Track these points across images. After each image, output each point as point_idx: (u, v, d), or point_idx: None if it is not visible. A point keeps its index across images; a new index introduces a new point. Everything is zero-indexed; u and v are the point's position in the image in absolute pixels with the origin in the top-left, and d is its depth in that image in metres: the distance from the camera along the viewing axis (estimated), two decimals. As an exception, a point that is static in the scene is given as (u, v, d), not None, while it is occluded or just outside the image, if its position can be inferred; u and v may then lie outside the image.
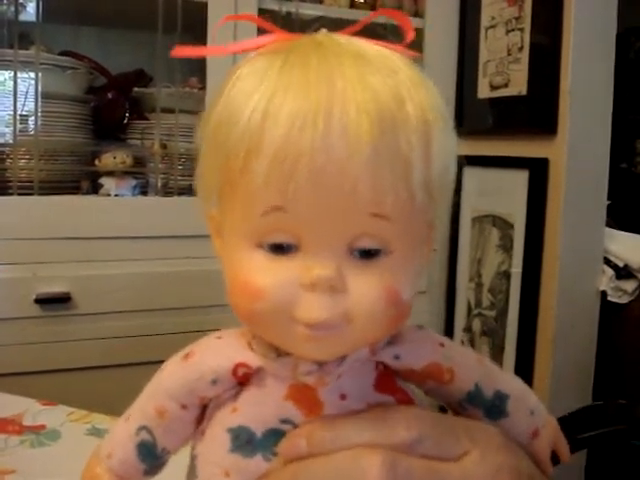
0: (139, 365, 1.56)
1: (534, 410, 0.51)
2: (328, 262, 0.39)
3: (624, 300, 1.80)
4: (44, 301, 1.63)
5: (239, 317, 0.42)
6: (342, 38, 0.43)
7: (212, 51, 0.49)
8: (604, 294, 1.79)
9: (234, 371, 0.45)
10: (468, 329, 2.03)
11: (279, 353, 0.44)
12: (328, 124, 0.37)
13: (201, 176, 0.44)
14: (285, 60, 0.40)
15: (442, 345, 0.48)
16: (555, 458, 0.52)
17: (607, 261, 1.83)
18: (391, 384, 0.46)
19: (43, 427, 0.95)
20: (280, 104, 0.38)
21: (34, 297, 1.62)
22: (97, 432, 0.93)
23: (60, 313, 1.65)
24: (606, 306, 1.80)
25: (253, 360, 0.45)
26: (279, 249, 0.40)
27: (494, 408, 0.49)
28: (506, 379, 0.51)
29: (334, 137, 0.37)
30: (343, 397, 0.44)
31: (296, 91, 0.38)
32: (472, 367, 0.49)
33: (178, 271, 1.76)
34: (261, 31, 0.46)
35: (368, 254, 0.40)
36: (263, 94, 0.39)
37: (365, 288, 0.40)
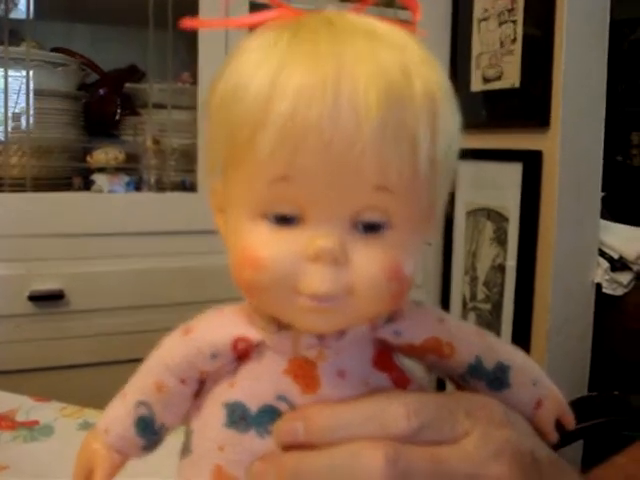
0: (133, 362, 1.54)
1: (536, 381, 0.51)
2: (332, 234, 0.39)
3: (619, 292, 1.81)
4: (37, 298, 1.62)
5: (241, 289, 0.42)
6: (351, 15, 0.43)
7: (220, 23, 0.49)
8: (599, 286, 1.79)
9: (234, 345, 0.45)
10: (463, 323, 2.02)
11: (280, 327, 0.44)
12: (336, 97, 0.37)
13: (206, 148, 0.44)
14: (294, 34, 0.40)
15: (441, 320, 0.48)
16: (560, 430, 0.52)
17: (602, 253, 1.83)
18: (388, 362, 0.47)
19: (36, 423, 0.94)
20: (288, 77, 0.38)
21: (27, 294, 1.61)
22: (89, 426, 0.92)
23: (54, 310, 1.64)
24: (601, 298, 1.80)
25: (253, 334, 0.45)
26: (283, 220, 0.40)
27: (496, 380, 0.49)
28: (507, 350, 0.51)
29: (342, 110, 0.37)
30: (341, 374, 0.44)
31: (304, 64, 0.38)
32: (472, 340, 0.49)
33: (172, 267, 1.76)
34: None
35: (371, 228, 0.40)
36: (270, 67, 0.39)
37: (368, 261, 0.40)
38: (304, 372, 0.44)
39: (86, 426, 0.93)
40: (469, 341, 0.49)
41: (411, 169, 0.39)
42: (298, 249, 0.39)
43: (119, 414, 0.50)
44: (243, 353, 0.45)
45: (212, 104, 0.42)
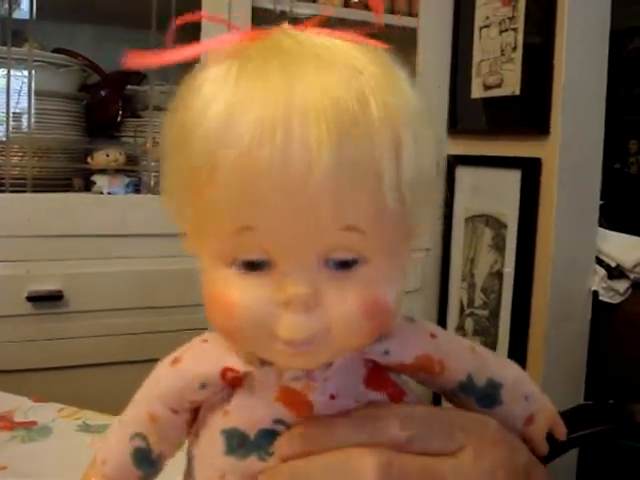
0: (131, 363, 1.56)
1: (529, 396, 0.51)
2: (302, 279, 0.38)
3: (616, 300, 1.81)
4: (36, 299, 1.62)
5: (218, 332, 0.42)
6: (305, 36, 0.40)
7: (171, 57, 0.43)
8: (596, 294, 1.80)
9: (222, 375, 0.45)
10: (460, 328, 2.03)
11: (263, 362, 0.44)
12: (286, 137, 0.35)
13: (168, 192, 0.42)
14: (243, 69, 0.38)
15: (433, 336, 0.48)
16: (553, 442, 0.52)
17: (599, 261, 1.83)
18: (382, 379, 0.46)
19: (34, 423, 0.95)
20: (237, 119, 0.36)
21: (26, 295, 1.61)
22: (87, 428, 0.93)
23: (52, 311, 1.64)
24: (598, 306, 1.80)
25: (240, 365, 0.44)
26: (252, 266, 0.39)
27: (487, 397, 0.49)
28: (501, 366, 0.51)
29: (293, 151, 0.35)
30: (333, 397, 0.44)
31: (253, 104, 0.36)
32: (464, 357, 0.49)
33: (171, 269, 1.76)
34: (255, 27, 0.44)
35: (344, 265, 0.39)
36: (219, 109, 0.37)
37: (342, 301, 0.38)
38: (294, 400, 0.44)
39: (85, 428, 0.93)
40: (461, 358, 0.49)
41: (376, 204, 0.37)
42: (269, 295, 0.38)
43: (116, 445, 0.50)
44: (234, 381, 0.45)
45: (167, 146, 0.41)
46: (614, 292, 1.81)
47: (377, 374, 0.46)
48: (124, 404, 0.51)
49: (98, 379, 1.61)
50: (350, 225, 0.37)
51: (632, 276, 1.84)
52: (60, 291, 1.65)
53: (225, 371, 0.44)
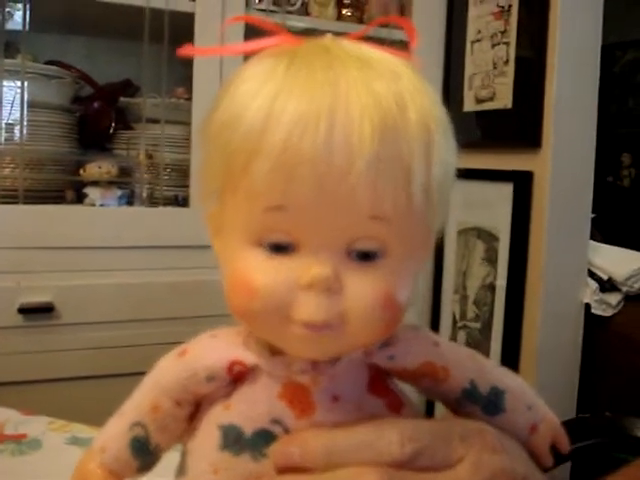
0: (122, 376, 1.55)
1: (531, 405, 0.51)
2: (326, 262, 0.40)
3: (608, 313, 1.81)
4: (27, 311, 1.62)
5: (235, 315, 0.42)
6: (348, 43, 0.43)
7: (219, 51, 0.50)
8: (588, 307, 1.80)
9: (229, 369, 0.45)
10: (453, 341, 2.02)
11: (273, 352, 0.44)
12: (330, 129, 0.38)
13: (203, 174, 0.44)
14: (290, 63, 0.41)
15: (436, 344, 0.48)
16: (555, 454, 0.52)
17: (591, 274, 1.84)
18: (383, 386, 0.47)
19: (24, 436, 0.94)
20: (283, 107, 0.38)
21: (17, 307, 1.61)
22: (77, 441, 0.92)
23: (43, 323, 1.63)
24: (590, 319, 1.80)
25: (248, 358, 0.45)
26: (278, 248, 0.40)
27: (491, 404, 0.49)
28: (502, 374, 0.51)
29: (335, 142, 0.38)
30: (336, 399, 0.44)
31: (299, 94, 0.38)
32: (466, 365, 0.49)
33: (163, 282, 1.76)
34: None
35: (366, 256, 0.40)
36: (266, 96, 0.39)
37: (362, 290, 0.40)
38: (298, 397, 0.44)
39: (74, 441, 0.93)
40: (464, 365, 0.49)
41: (405, 199, 0.39)
42: (292, 277, 0.40)
43: (115, 433, 0.50)
44: (238, 376, 0.45)
45: (209, 131, 0.43)
46: (606, 305, 1.81)
47: (379, 380, 0.47)
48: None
49: (89, 392, 1.60)
50: (379, 215, 0.39)
51: (624, 289, 1.85)
52: (51, 303, 1.64)
53: (232, 365, 0.45)
